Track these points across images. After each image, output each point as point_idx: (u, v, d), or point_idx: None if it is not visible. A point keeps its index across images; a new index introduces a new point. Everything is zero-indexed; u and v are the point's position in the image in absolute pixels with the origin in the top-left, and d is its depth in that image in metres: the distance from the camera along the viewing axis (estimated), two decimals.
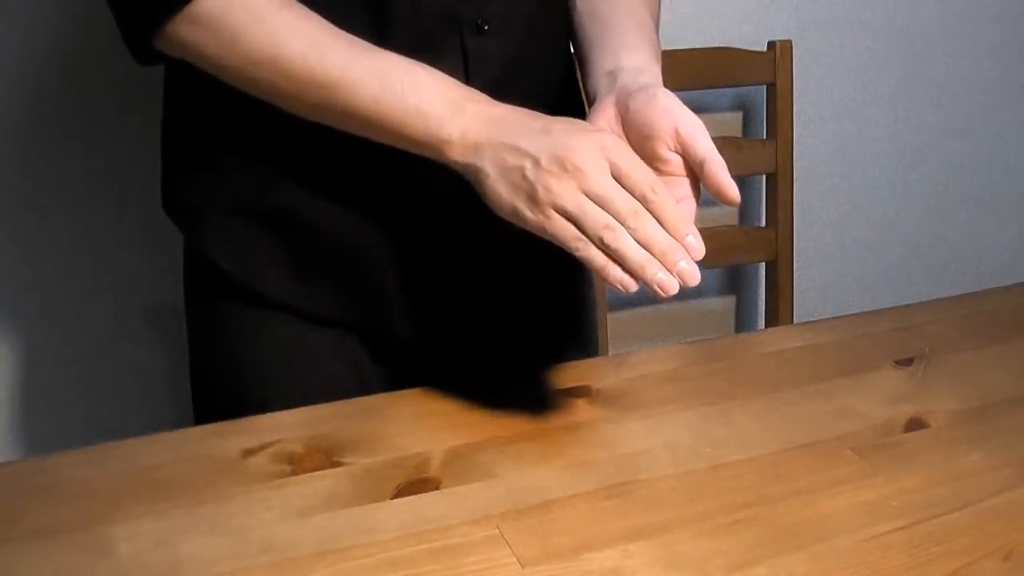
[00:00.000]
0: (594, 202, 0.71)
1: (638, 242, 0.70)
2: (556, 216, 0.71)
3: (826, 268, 1.80)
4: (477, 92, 0.76)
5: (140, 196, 1.35)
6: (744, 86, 1.60)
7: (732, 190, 0.73)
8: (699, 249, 0.72)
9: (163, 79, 0.90)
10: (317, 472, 0.77)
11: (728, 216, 1.69)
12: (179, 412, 1.42)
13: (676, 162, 0.75)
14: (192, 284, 0.95)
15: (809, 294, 1.79)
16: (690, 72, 1.49)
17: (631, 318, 1.69)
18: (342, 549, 0.69)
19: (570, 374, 0.91)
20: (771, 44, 1.54)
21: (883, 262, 1.84)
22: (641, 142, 0.75)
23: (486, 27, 0.83)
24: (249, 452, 0.79)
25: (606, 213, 0.70)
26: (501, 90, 0.79)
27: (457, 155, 0.75)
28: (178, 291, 0.96)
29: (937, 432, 0.83)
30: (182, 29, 0.76)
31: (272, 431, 0.81)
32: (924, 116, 1.77)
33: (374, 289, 0.90)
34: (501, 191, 0.73)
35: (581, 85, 0.90)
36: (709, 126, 0.75)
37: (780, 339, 0.98)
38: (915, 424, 0.84)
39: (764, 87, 1.56)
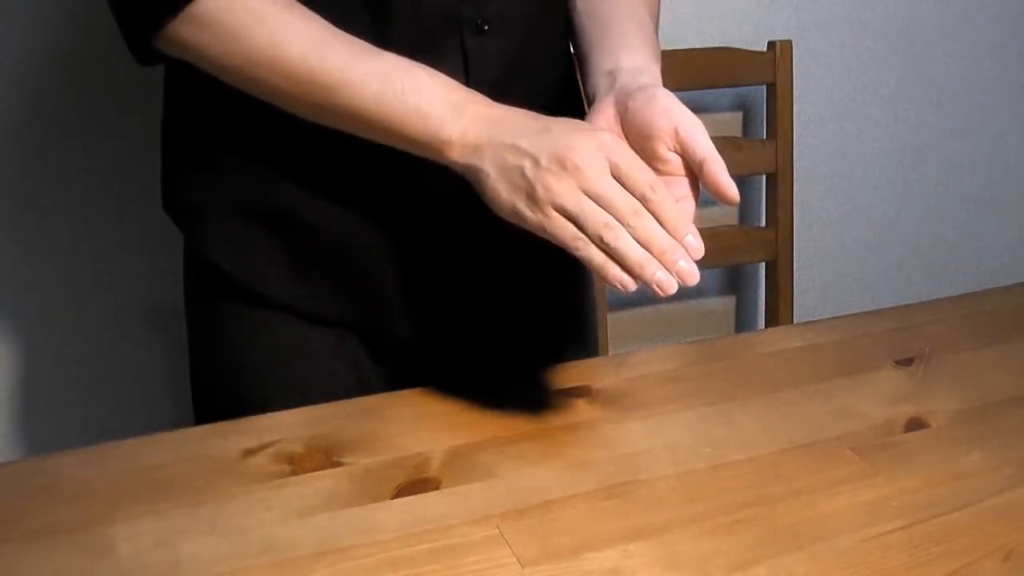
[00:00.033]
0: (594, 201, 0.71)
1: (637, 241, 0.70)
2: (556, 215, 0.71)
3: (826, 268, 1.80)
4: (477, 93, 0.76)
5: (140, 196, 1.35)
6: (744, 86, 1.60)
7: (731, 190, 0.73)
8: (698, 248, 0.72)
9: (163, 79, 0.90)
10: (317, 472, 0.77)
11: (728, 216, 1.69)
12: (179, 412, 1.42)
13: (675, 162, 0.75)
14: (192, 284, 0.95)
15: (809, 294, 1.79)
16: (690, 72, 1.49)
17: (631, 318, 1.69)
18: (342, 549, 0.69)
19: (570, 374, 0.91)
20: (771, 44, 1.54)
21: (883, 262, 1.84)
22: (640, 142, 0.75)
23: (486, 27, 0.83)
24: (249, 452, 0.79)
25: (606, 212, 0.71)
26: (501, 90, 0.79)
27: (457, 156, 0.75)
28: (178, 291, 0.96)
29: (937, 432, 0.83)
30: (183, 29, 0.76)
31: (272, 431, 0.81)
32: (924, 116, 1.77)
33: (374, 289, 0.90)
34: (501, 191, 0.73)
35: (581, 85, 0.90)
36: (709, 126, 0.75)
37: (780, 339, 0.98)
38: (915, 424, 0.84)
39: (764, 87, 1.56)
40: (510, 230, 0.74)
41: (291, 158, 0.85)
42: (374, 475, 0.76)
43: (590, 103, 0.82)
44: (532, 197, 0.71)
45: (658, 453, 0.80)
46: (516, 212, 0.73)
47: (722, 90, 1.62)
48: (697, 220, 0.75)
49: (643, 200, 0.71)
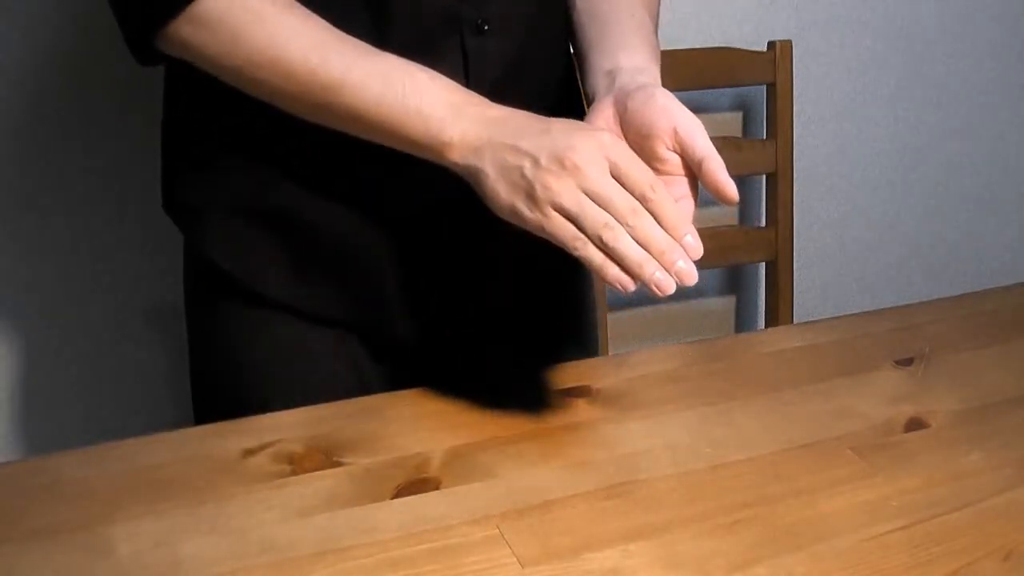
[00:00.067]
0: (593, 201, 0.71)
1: (636, 241, 0.70)
2: (555, 215, 0.71)
3: (826, 268, 1.80)
4: (477, 95, 0.76)
5: (140, 196, 1.35)
6: (744, 86, 1.60)
7: (730, 188, 0.73)
8: (697, 248, 0.72)
9: (163, 79, 0.90)
10: (317, 472, 0.77)
11: (728, 216, 1.69)
12: (179, 412, 1.42)
13: (674, 161, 0.75)
14: (192, 284, 0.95)
15: (809, 294, 1.79)
16: (690, 72, 1.49)
17: (631, 318, 1.69)
18: (342, 549, 0.69)
19: (570, 374, 0.91)
20: (771, 44, 1.54)
21: (883, 262, 1.84)
22: (640, 141, 0.75)
23: (486, 27, 0.83)
24: (249, 452, 0.79)
25: (605, 212, 0.71)
26: (501, 90, 0.79)
27: (457, 157, 0.75)
28: (178, 291, 0.96)
29: (937, 432, 0.83)
30: (184, 30, 0.76)
31: (272, 431, 0.81)
32: (924, 116, 1.77)
33: (374, 289, 0.90)
34: (500, 191, 0.73)
35: (580, 85, 0.90)
36: (709, 126, 0.75)
37: (780, 339, 0.98)
38: (915, 424, 0.84)
39: (764, 87, 1.56)
40: (510, 230, 0.74)
41: (291, 158, 0.85)
42: (374, 475, 0.76)
43: (589, 103, 0.82)
44: (531, 197, 0.71)
45: (658, 453, 0.80)
46: (515, 212, 0.73)
47: (722, 90, 1.62)
48: (697, 220, 0.75)
49: (642, 200, 0.71)
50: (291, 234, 0.88)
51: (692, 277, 0.71)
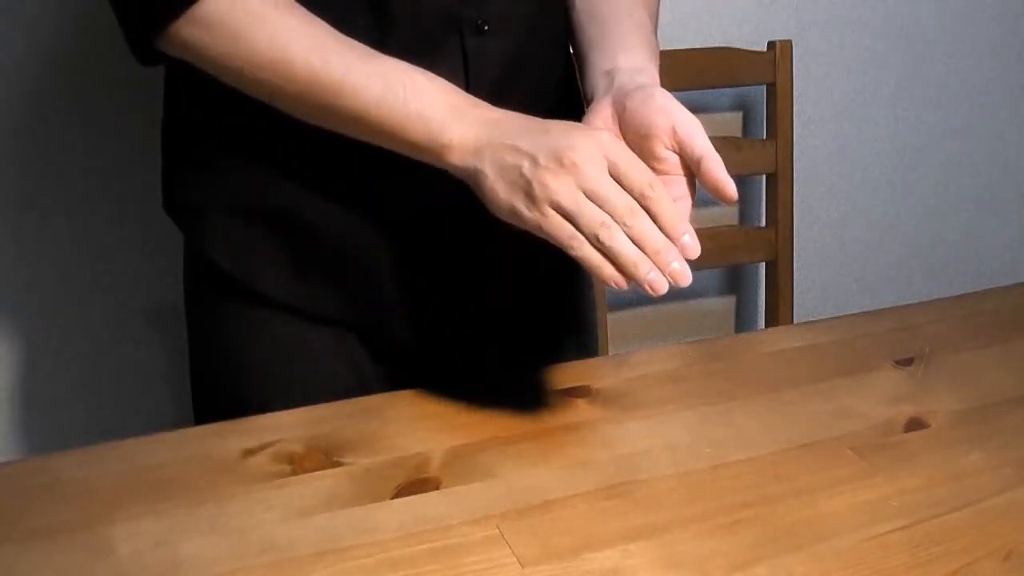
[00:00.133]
0: (591, 200, 0.71)
1: (633, 240, 0.71)
2: (552, 213, 0.71)
3: (826, 268, 1.80)
4: (476, 99, 0.77)
5: (140, 196, 1.35)
6: (744, 86, 1.60)
7: (729, 187, 0.73)
8: (695, 247, 0.72)
9: (163, 79, 0.90)
10: (317, 472, 0.77)
11: (728, 216, 1.69)
12: (179, 412, 1.42)
13: (673, 161, 0.75)
14: (192, 284, 0.95)
15: (809, 294, 1.79)
16: (690, 72, 1.49)
17: (631, 318, 1.69)
18: (342, 549, 0.69)
19: (570, 374, 0.91)
20: (771, 44, 1.54)
21: (883, 262, 1.84)
22: (638, 141, 0.75)
23: (486, 27, 0.83)
24: (249, 452, 0.79)
25: (602, 211, 0.71)
26: (501, 90, 0.79)
27: (456, 159, 0.75)
28: (178, 291, 0.96)
29: (937, 432, 0.83)
30: (185, 30, 0.76)
31: (272, 431, 0.81)
32: (924, 116, 1.77)
33: (374, 289, 0.90)
34: (499, 190, 0.73)
35: (580, 85, 0.90)
36: (709, 126, 0.75)
37: (780, 339, 0.98)
38: (915, 424, 0.84)
39: (764, 87, 1.56)
40: (509, 231, 0.74)
41: (291, 158, 0.85)
42: (374, 475, 0.76)
43: (588, 103, 0.82)
44: (529, 195, 0.72)
45: (658, 453, 0.80)
46: (514, 211, 0.73)
47: (722, 90, 1.62)
48: (697, 220, 0.75)
49: (641, 198, 0.71)
50: (291, 234, 0.88)
51: (686, 278, 0.71)
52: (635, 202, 0.71)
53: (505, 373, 0.90)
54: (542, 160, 0.71)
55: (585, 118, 0.78)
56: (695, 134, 0.74)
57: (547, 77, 0.92)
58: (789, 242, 1.59)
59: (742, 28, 1.60)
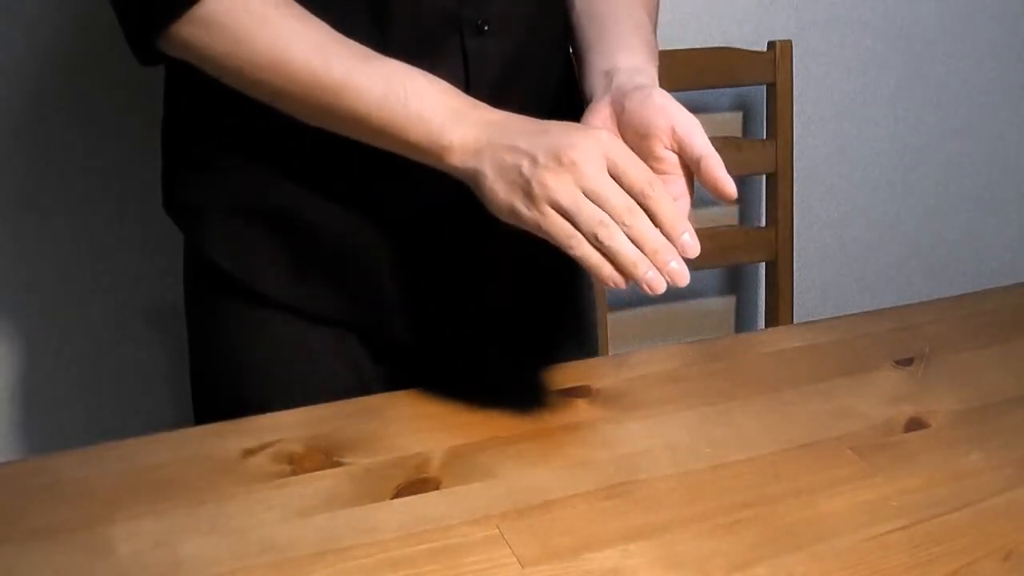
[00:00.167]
0: (590, 199, 0.71)
1: (631, 239, 0.71)
2: (551, 212, 0.71)
3: (826, 268, 1.80)
4: (476, 101, 0.77)
5: (140, 196, 1.35)
6: (744, 86, 1.60)
7: (729, 186, 0.73)
8: (694, 246, 0.72)
9: (163, 79, 0.90)
10: (317, 472, 0.77)
11: (728, 216, 1.69)
12: (179, 412, 1.42)
13: (671, 160, 0.75)
14: (192, 284, 0.95)
15: (809, 294, 1.79)
16: (690, 72, 1.49)
17: (631, 318, 1.69)
18: (342, 549, 0.69)
19: (570, 374, 0.91)
20: (771, 44, 1.54)
21: (883, 262, 1.84)
22: (637, 141, 0.75)
23: (486, 27, 0.83)
24: (249, 452, 0.79)
25: (601, 210, 0.71)
26: (501, 90, 0.79)
27: (456, 160, 0.75)
28: (178, 291, 0.96)
29: (937, 432, 0.83)
30: (186, 31, 0.76)
31: (272, 431, 0.81)
32: (924, 116, 1.77)
33: (374, 289, 0.90)
34: (499, 190, 0.73)
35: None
36: (709, 126, 0.75)
37: (780, 339, 0.98)
38: (915, 424, 0.84)
39: (764, 87, 1.56)
40: (509, 231, 0.74)
41: (291, 158, 0.85)
42: (374, 475, 0.76)
43: (587, 103, 0.82)
44: (528, 194, 0.72)
45: (658, 453, 0.80)
46: (513, 211, 0.73)
47: (722, 90, 1.62)
48: (697, 220, 0.75)
49: (641, 197, 0.71)
50: (291, 234, 0.88)
51: (684, 278, 0.71)
52: (634, 201, 0.71)
53: (505, 373, 0.90)
54: (541, 159, 0.71)
55: (583, 118, 0.78)
56: (694, 133, 0.74)
57: (547, 77, 0.92)
58: (789, 242, 1.59)
59: (742, 28, 1.60)
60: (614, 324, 1.63)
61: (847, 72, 1.69)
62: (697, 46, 1.52)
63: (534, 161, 0.71)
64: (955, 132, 1.80)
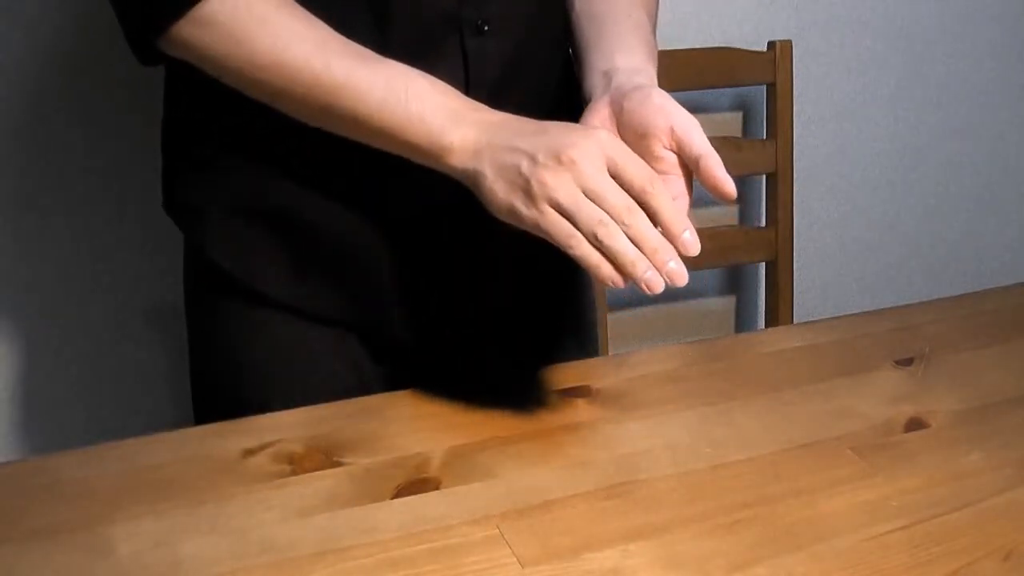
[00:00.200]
0: (589, 198, 0.71)
1: (630, 239, 0.70)
2: (550, 211, 0.71)
3: (826, 268, 1.80)
4: (476, 102, 0.77)
5: (140, 196, 1.35)
6: (744, 86, 1.60)
7: (728, 185, 0.73)
8: (695, 244, 0.72)
9: (163, 79, 0.90)
10: (317, 472, 0.77)
11: (728, 216, 1.69)
12: (179, 412, 1.42)
13: (670, 160, 0.75)
14: (192, 284, 0.95)
15: (809, 294, 1.79)
16: (690, 72, 1.49)
17: (631, 318, 1.69)
18: (342, 549, 0.69)
19: (570, 374, 0.91)
20: (771, 44, 1.54)
21: (883, 262, 1.84)
22: (636, 141, 0.75)
23: (486, 27, 0.83)
24: (249, 452, 0.79)
25: (600, 209, 0.71)
26: (501, 90, 0.79)
27: (456, 161, 0.75)
28: (178, 291, 0.96)
29: (937, 432, 0.83)
30: (186, 31, 0.76)
31: (272, 431, 0.81)
32: (924, 116, 1.77)
33: (374, 289, 0.90)
34: (498, 190, 0.73)
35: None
36: (709, 126, 0.75)
37: (780, 339, 0.98)
38: (915, 424, 0.84)
39: (764, 87, 1.56)
40: (509, 231, 0.74)
41: (291, 158, 0.85)
42: (374, 475, 0.76)
43: (586, 103, 0.82)
44: (528, 194, 0.72)
45: (658, 453, 0.80)
46: (513, 210, 0.73)
47: (722, 90, 1.62)
48: (697, 220, 0.75)
49: (641, 195, 0.71)
50: (291, 234, 0.88)
51: (682, 278, 0.71)
52: (633, 201, 0.71)
53: (505, 373, 0.90)
54: (541, 158, 0.71)
55: (582, 118, 0.78)
56: (693, 133, 0.74)
57: (547, 77, 0.92)
58: (789, 242, 1.59)
59: (742, 28, 1.60)
60: (614, 324, 1.63)
61: (847, 72, 1.69)
62: (697, 46, 1.52)
63: (533, 160, 0.71)
64: (955, 132, 1.80)
